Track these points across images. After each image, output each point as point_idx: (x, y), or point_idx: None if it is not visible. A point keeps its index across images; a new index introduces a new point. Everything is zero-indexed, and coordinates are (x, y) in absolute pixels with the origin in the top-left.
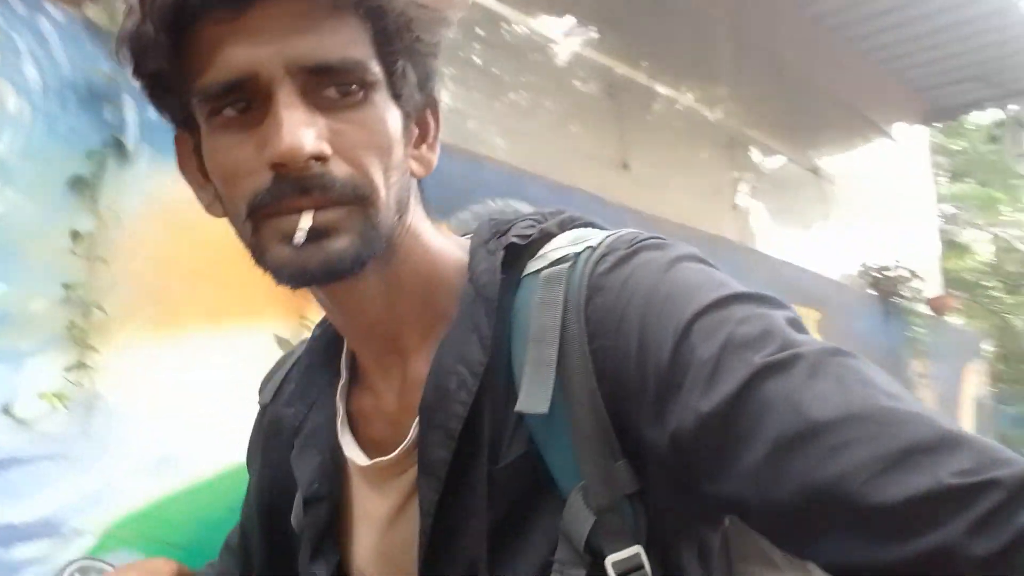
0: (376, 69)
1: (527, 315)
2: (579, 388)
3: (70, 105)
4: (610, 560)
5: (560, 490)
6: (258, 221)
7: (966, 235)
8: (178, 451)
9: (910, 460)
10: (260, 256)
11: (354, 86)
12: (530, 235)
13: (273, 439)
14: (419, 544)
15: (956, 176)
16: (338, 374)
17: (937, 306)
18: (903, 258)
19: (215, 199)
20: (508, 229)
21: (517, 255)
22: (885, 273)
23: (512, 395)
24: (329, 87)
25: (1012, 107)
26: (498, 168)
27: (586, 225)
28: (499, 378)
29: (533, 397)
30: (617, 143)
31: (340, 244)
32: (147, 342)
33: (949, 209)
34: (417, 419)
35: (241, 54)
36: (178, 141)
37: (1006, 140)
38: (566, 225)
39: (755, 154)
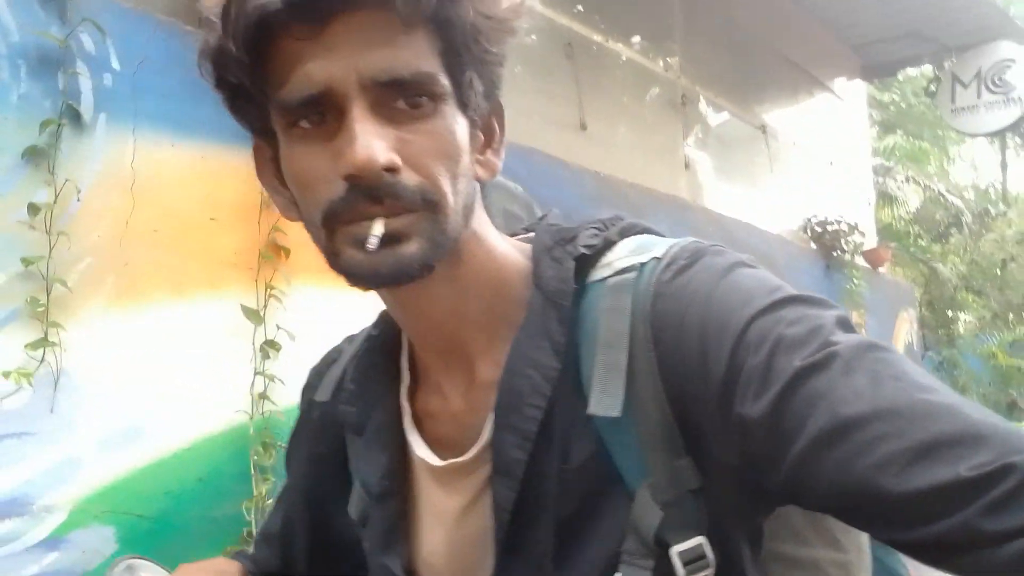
0: (445, 81)
1: (594, 321)
2: (645, 390)
3: (21, 73)
4: (675, 550)
5: (627, 486)
6: (333, 227)
7: (896, 186)
8: (146, 424)
9: (934, 453)
10: (334, 259)
11: (423, 98)
12: (595, 244)
13: (324, 434)
14: (495, 540)
15: (887, 128)
16: (398, 374)
17: (872, 258)
18: (842, 212)
19: (291, 204)
20: (573, 237)
21: (583, 263)
22: (827, 227)
23: (581, 397)
24: (399, 99)
25: (947, 62)
26: None
27: (644, 231)
28: (568, 381)
29: (605, 400)
30: (575, 103)
31: (410, 249)
32: (111, 315)
33: (881, 161)
34: (489, 421)
35: (318, 70)
36: (256, 149)
37: (940, 94)
38: (626, 232)
39: (706, 112)
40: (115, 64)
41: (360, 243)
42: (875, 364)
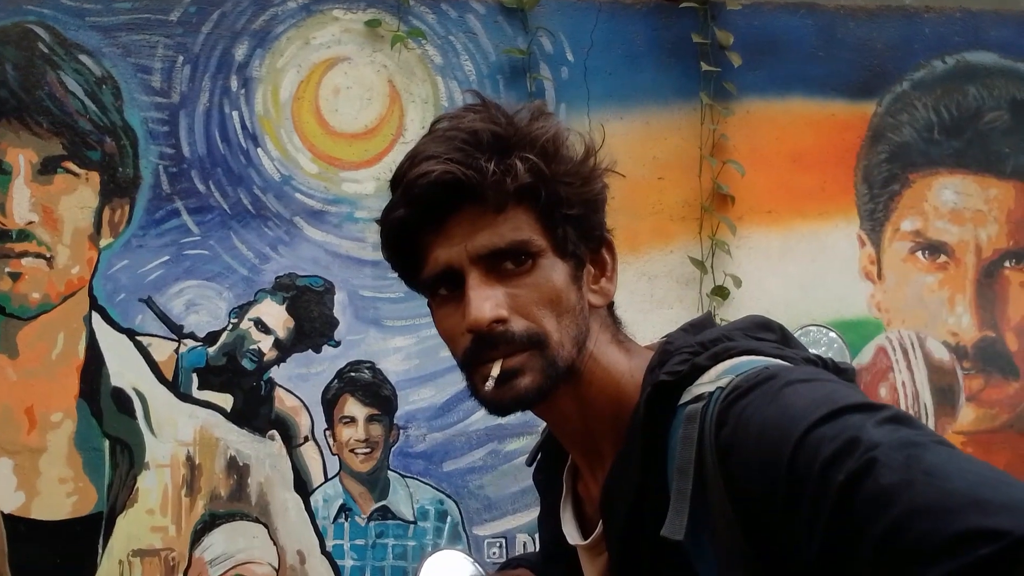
0: (539, 241)
1: (673, 448)
2: (719, 513)
3: (499, 87)
4: None
5: None
6: (468, 370)
7: None
8: None
9: (956, 546)
10: (473, 393)
11: (524, 256)
12: (681, 371)
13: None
14: None
15: None
16: (567, 454)
17: None
18: None
19: None
20: (668, 359)
21: (671, 387)
22: None
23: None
24: (505, 261)
25: None
26: None
27: (743, 353)
28: (659, 500)
29: (672, 524)
30: None
31: (524, 382)
32: None
33: None
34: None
35: (442, 255)
36: (430, 306)
37: None
38: (720, 357)
39: None
40: (569, 56)
41: (486, 380)
42: (907, 462)
